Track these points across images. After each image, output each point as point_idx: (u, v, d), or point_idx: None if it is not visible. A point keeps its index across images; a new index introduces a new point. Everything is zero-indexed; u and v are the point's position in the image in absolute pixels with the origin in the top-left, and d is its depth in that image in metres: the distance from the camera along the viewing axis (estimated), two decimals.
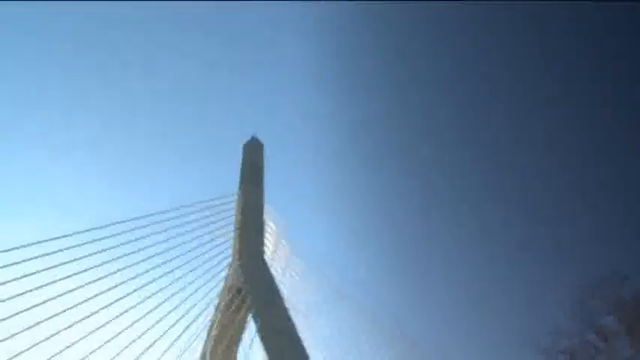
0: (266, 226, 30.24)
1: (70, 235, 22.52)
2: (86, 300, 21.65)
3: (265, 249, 28.78)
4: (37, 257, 20.61)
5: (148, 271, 24.40)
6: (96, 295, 22.21)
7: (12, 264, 19.81)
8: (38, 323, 19.46)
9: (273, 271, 27.67)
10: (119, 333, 21.91)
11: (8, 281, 19.39)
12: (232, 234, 29.12)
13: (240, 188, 31.67)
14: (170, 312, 23.91)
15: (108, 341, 21.54)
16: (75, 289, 21.58)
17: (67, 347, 19.91)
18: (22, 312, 19.27)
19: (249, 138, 34.62)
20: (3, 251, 19.82)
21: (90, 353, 20.79)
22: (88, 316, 21.39)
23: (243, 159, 33.59)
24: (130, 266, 23.88)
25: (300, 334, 23.59)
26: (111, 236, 24.05)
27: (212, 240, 28.17)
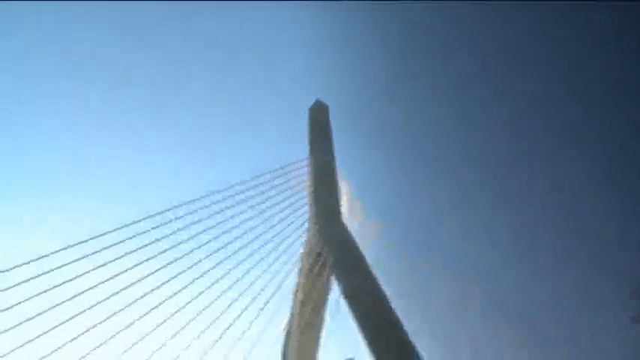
0: (339, 188, 30.42)
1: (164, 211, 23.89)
2: (180, 272, 23.09)
3: (341, 211, 28.99)
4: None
5: (231, 242, 25.40)
6: (189, 268, 23.54)
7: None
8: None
9: (350, 231, 27.91)
10: (214, 300, 23.22)
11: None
12: (307, 199, 29.62)
13: (310, 152, 31.90)
14: (257, 279, 24.96)
15: (206, 307, 22.89)
16: (168, 265, 23.00)
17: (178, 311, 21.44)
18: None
19: (314, 102, 34.64)
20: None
21: (188, 322, 22.19)
22: (182, 289, 22.78)
23: (310, 123, 33.71)
24: (216, 237, 24.97)
25: (382, 293, 23.85)
26: (196, 211, 25.17)
27: (289, 206, 28.90)
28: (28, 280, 18.97)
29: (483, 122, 55.78)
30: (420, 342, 22.14)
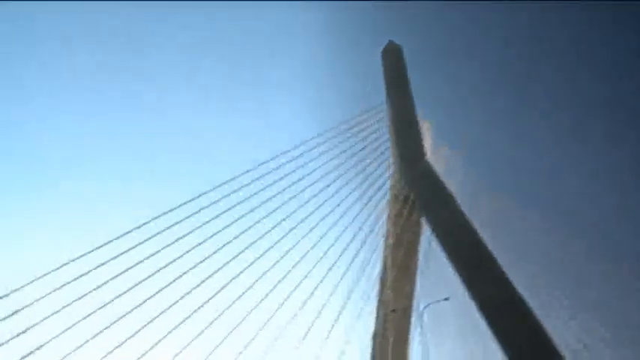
0: (421, 129, 29.87)
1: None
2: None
3: (424, 152, 28.52)
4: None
5: (316, 194, 25.67)
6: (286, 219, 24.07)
7: None
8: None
9: (435, 171, 27.47)
10: (313, 246, 23.80)
11: None
12: (389, 143, 29.33)
13: (387, 96, 31.39)
14: (346, 228, 25.24)
15: (300, 259, 23.40)
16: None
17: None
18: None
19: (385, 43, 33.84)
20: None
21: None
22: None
23: (383, 65, 33.05)
24: (301, 191, 25.30)
25: (474, 230, 23.48)
26: (281, 165, 25.55)
27: (370, 153, 28.77)
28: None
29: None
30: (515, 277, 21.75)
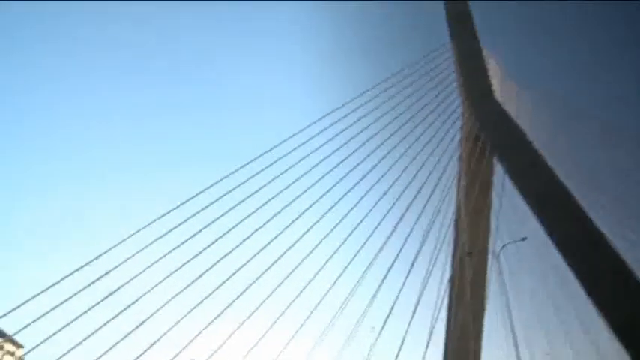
0: (489, 68, 28.96)
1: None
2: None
3: (493, 90, 27.71)
4: None
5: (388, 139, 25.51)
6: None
7: None
8: None
9: (505, 109, 26.72)
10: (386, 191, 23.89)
11: None
12: (457, 83, 28.62)
13: (451, 37, 30.46)
14: (419, 170, 25.08)
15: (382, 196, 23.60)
16: None
17: None
18: None
19: None
20: None
21: None
22: None
23: (446, 4, 31.99)
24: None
25: (548, 166, 22.83)
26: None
27: (438, 94, 28.14)
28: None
29: None
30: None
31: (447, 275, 27.72)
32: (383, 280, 23.08)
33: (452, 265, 27.14)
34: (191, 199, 20.15)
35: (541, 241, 23.56)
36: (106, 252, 17.99)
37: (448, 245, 27.21)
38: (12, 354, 27.15)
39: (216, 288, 18.92)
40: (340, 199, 22.69)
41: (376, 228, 23.31)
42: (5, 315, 16.26)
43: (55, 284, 16.83)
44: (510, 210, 26.84)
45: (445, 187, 26.05)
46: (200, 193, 20.38)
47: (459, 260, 27.42)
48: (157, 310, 17.87)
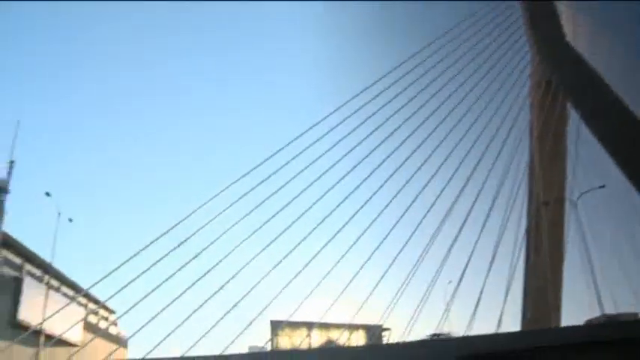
0: (559, 13, 27.89)
1: None
2: None
3: (564, 33, 26.74)
4: None
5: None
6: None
7: None
8: None
9: (578, 51, 25.80)
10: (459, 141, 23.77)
11: None
12: (524, 29, 27.73)
13: None
14: (491, 119, 24.75)
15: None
16: None
17: None
18: None
19: None
20: None
21: None
22: None
23: None
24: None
25: (626, 107, 22.02)
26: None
27: (504, 42, 27.41)
28: None
29: None
30: None
31: (523, 226, 27.36)
32: (458, 234, 23.12)
33: (528, 216, 26.72)
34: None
35: (620, 187, 22.96)
36: (186, 217, 19.02)
37: (523, 196, 26.84)
38: (106, 319, 28.81)
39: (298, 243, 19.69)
40: (414, 150, 22.80)
41: (450, 180, 23.22)
42: (97, 283, 17.69)
43: (139, 252, 18.05)
44: (587, 156, 26.11)
45: (517, 137, 25.64)
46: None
47: (536, 210, 26.94)
48: (238, 273, 18.81)
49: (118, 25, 65.59)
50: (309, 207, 20.04)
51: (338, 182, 20.91)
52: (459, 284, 22.77)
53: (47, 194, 21.85)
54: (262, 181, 20.75)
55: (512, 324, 27.86)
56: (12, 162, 21.06)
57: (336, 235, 20.07)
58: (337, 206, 20.46)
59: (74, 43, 66.31)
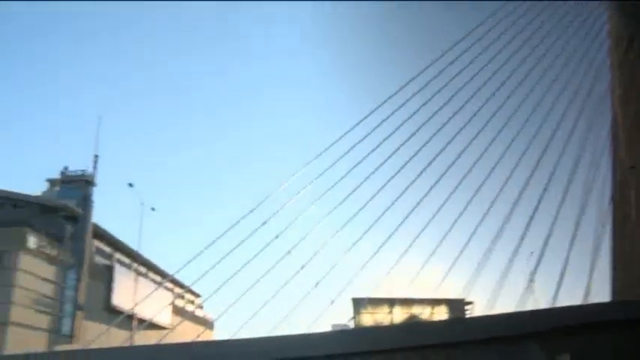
0: None
1: None
2: None
3: None
4: None
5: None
6: None
7: None
8: None
9: None
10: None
11: None
12: None
13: None
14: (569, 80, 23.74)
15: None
16: None
17: None
18: None
19: None
20: None
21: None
22: None
23: None
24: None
25: None
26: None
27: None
28: None
29: None
30: None
31: (608, 193, 26.13)
32: (538, 204, 22.39)
33: (613, 182, 25.46)
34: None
35: None
36: (265, 199, 19.25)
37: (607, 161, 25.62)
38: (192, 302, 29.94)
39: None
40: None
41: (527, 148, 22.49)
42: (182, 268, 18.26)
43: (221, 236, 18.41)
44: None
45: (597, 100, 24.50)
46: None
47: (622, 176, 25.61)
48: (318, 251, 18.94)
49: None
50: (384, 184, 19.94)
51: (414, 155, 20.51)
52: (541, 256, 22.14)
53: (130, 185, 22.80)
54: (338, 159, 20.69)
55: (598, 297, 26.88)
56: (96, 156, 22.09)
57: (413, 209, 19.79)
58: (412, 182, 20.25)
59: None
